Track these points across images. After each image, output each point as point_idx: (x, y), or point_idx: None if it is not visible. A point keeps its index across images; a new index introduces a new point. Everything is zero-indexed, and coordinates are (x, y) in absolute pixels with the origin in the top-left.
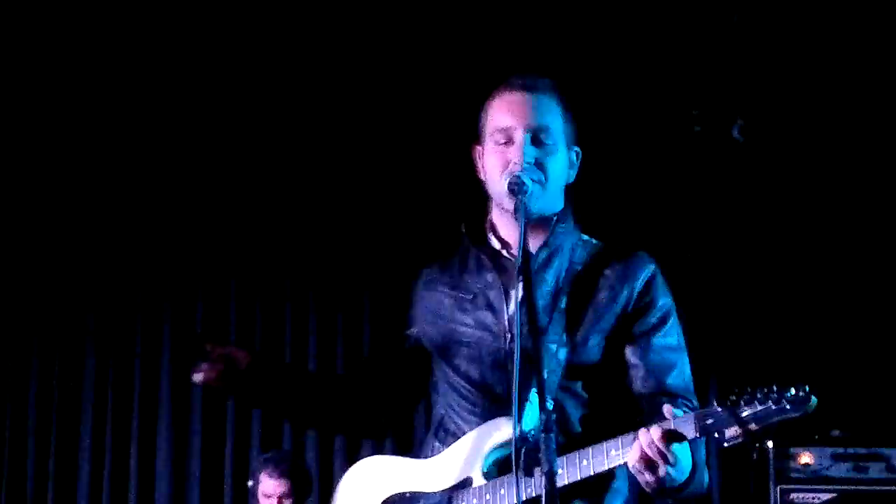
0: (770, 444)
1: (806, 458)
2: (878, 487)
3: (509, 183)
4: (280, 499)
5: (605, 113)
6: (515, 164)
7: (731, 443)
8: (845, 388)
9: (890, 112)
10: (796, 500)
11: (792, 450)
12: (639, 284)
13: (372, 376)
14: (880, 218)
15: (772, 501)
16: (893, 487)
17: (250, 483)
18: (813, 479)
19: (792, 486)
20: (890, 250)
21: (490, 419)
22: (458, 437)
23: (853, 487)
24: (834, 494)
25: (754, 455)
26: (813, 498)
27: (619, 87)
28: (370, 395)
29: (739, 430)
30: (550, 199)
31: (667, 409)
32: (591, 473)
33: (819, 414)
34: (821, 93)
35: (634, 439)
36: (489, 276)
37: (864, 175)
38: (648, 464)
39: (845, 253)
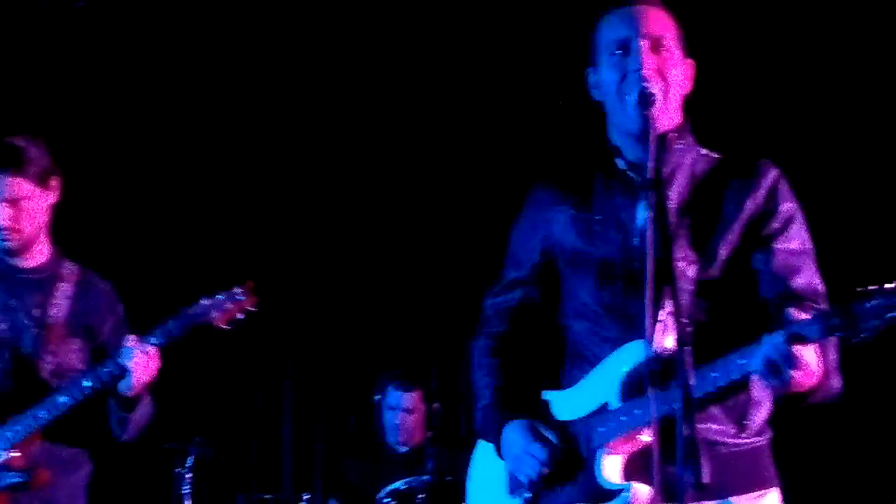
0: None
1: None
2: None
3: (640, 94)
4: (406, 411)
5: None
6: (635, 71)
7: (857, 341)
8: None
9: None
10: None
11: None
12: (762, 193)
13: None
14: None
15: None
16: None
17: (377, 397)
18: None
19: None
20: None
21: (625, 342)
22: (595, 364)
23: None
24: None
25: None
26: None
27: None
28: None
29: (865, 328)
30: (672, 110)
31: (790, 312)
32: (722, 385)
33: None
34: None
35: (759, 345)
36: (617, 198)
37: None
38: (773, 369)
39: None
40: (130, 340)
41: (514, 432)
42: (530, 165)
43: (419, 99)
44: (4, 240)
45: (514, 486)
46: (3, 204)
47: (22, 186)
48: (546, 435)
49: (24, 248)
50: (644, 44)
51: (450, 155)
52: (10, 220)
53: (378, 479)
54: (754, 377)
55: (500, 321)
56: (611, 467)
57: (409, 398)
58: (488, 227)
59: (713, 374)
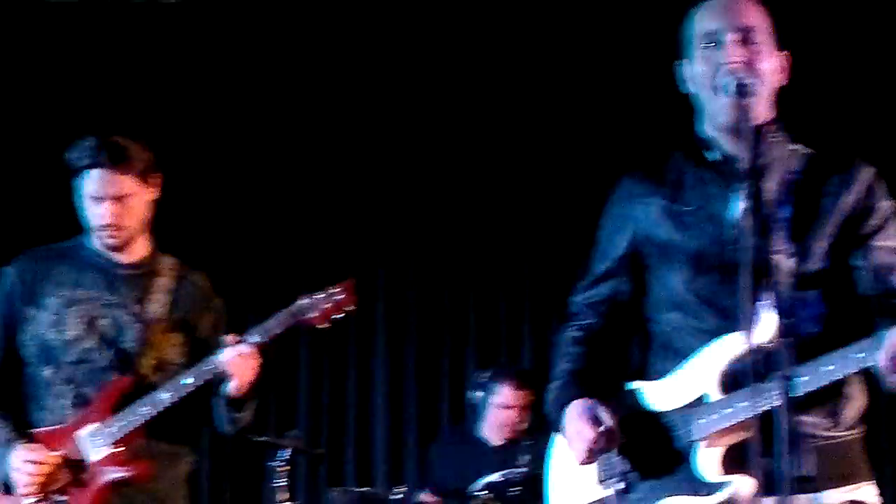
0: None
1: None
2: None
3: (735, 85)
4: (521, 409)
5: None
6: (725, 64)
7: None
8: None
9: None
10: None
11: None
12: (860, 190)
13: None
14: None
15: None
16: None
17: (479, 394)
18: None
19: None
20: None
21: (720, 334)
22: (687, 356)
23: None
24: None
25: None
26: None
27: None
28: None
29: None
30: (764, 103)
31: None
32: (839, 377)
33: None
34: None
35: (879, 340)
36: (710, 189)
37: None
38: None
39: None
40: (229, 340)
41: (574, 409)
42: (618, 160)
43: (526, 86)
44: (108, 237)
45: (606, 476)
46: (108, 201)
47: (126, 183)
48: (601, 416)
49: (126, 244)
50: (734, 37)
51: (543, 152)
52: (114, 216)
53: (471, 471)
54: (883, 370)
55: (588, 314)
56: (710, 460)
57: (523, 396)
58: (579, 225)
59: (828, 368)
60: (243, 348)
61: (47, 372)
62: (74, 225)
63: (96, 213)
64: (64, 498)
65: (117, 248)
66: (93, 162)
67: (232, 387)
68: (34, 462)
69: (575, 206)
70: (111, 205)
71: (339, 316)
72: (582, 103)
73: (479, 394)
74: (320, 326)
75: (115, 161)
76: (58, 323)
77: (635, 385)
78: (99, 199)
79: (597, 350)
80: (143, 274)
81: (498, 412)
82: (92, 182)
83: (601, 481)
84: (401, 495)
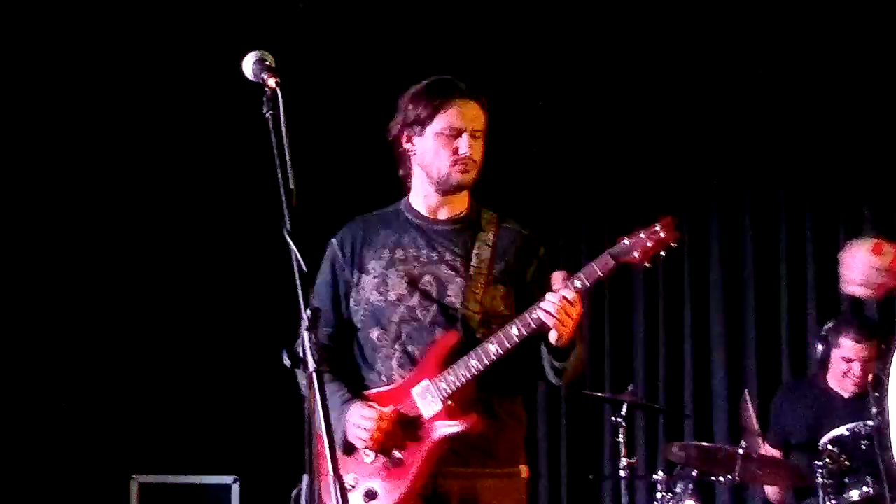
0: None
1: None
2: None
3: None
4: (864, 363)
5: None
6: None
7: None
8: None
9: None
10: None
11: None
12: None
13: None
14: None
15: None
16: None
17: (820, 346)
18: None
19: None
20: None
21: None
22: None
23: None
24: None
25: None
26: None
27: None
28: None
29: None
30: None
31: None
32: None
33: None
34: None
35: None
36: None
37: None
38: None
39: None
40: (554, 285)
41: None
42: None
43: None
44: (464, 170)
45: None
46: (472, 132)
47: (483, 119)
48: None
49: (471, 182)
50: None
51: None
52: (472, 149)
53: (817, 425)
54: None
55: None
56: None
57: (865, 349)
58: None
59: None
60: (564, 295)
61: (375, 334)
62: (393, 194)
63: (454, 146)
64: (400, 454)
65: (462, 187)
66: (457, 94)
67: (554, 335)
68: (370, 419)
69: None
70: (474, 139)
71: (660, 254)
72: None
73: (821, 346)
74: (643, 266)
75: (477, 95)
76: (381, 285)
77: None
78: (460, 130)
79: None
80: (463, 228)
81: (840, 364)
82: (453, 114)
83: None
84: (741, 449)
